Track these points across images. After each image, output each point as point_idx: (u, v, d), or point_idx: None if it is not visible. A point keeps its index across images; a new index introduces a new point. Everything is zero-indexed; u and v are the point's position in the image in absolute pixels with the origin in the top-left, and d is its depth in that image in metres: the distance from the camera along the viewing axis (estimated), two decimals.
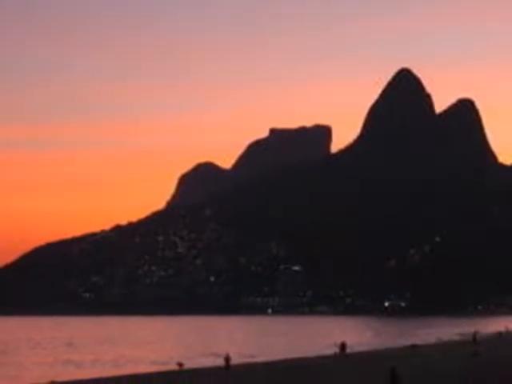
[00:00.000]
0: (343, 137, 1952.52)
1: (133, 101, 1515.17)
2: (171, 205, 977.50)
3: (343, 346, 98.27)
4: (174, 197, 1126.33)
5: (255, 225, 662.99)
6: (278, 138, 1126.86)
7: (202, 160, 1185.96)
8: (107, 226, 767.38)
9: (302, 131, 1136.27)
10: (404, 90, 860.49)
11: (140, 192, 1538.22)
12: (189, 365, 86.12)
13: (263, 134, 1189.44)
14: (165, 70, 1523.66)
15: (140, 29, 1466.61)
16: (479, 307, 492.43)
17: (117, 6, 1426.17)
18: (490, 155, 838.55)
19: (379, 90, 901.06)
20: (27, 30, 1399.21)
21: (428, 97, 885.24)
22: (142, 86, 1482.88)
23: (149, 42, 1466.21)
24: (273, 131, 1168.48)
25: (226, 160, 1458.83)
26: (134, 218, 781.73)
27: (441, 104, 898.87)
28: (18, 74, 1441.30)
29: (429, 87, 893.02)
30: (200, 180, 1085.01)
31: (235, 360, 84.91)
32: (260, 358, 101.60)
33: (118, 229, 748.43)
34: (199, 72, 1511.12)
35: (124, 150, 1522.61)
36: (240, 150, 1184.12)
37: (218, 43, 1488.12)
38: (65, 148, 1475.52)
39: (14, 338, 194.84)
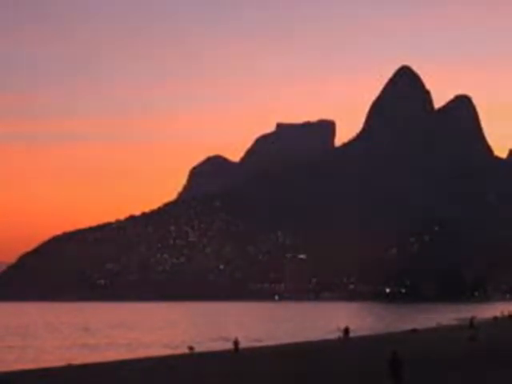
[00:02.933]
0: (347, 131, 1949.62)
1: (147, 97, 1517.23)
2: (183, 196, 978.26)
3: (347, 331, 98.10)
4: (185, 188, 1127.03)
5: (263, 215, 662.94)
6: (284, 132, 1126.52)
7: (212, 153, 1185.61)
8: (122, 216, 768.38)
9: (307, 126, 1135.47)
10: (404, 87, 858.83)
11: (153, 184, 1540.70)
12: (199, 348, 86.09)
13: (270, 128, 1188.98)
14: (177, 70, 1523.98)
15: (164, 33, 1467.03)
16: (476, 293, 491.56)
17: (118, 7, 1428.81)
18: (487, 148, 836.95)
19: (381, 87, 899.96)
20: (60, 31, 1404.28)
21: (427, 93, 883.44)
22: (156, 84, 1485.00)
23: (166, 45, 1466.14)
24: (279, 126, 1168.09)
25: (235, 153, 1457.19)
26: (148, 209, 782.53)
27: (440, 100, 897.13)
28: (39, 71, 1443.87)
29: (428, 84, 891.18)
30: (210, 172, 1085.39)
31: (244, 344, 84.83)
32: (267, 342, 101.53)
33: (131, 219, 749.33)
34: (210, 72, 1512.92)
35: (138, 144, 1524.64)
36: (248, 143, 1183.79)
37: (229, 45, 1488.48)
38: (81, 141, 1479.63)
39: (33, 322, 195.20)
